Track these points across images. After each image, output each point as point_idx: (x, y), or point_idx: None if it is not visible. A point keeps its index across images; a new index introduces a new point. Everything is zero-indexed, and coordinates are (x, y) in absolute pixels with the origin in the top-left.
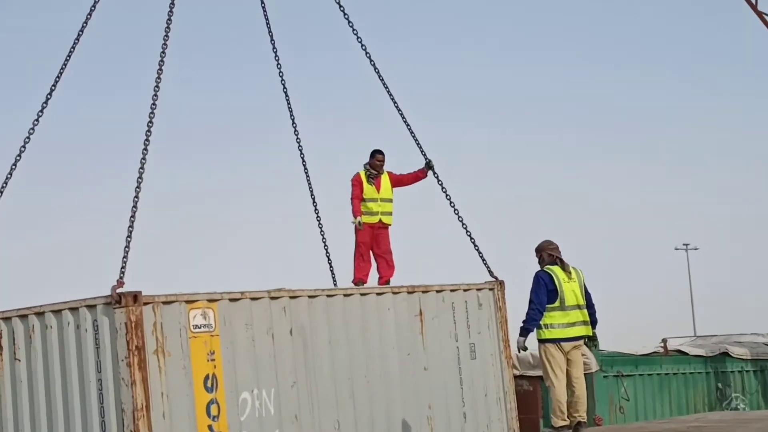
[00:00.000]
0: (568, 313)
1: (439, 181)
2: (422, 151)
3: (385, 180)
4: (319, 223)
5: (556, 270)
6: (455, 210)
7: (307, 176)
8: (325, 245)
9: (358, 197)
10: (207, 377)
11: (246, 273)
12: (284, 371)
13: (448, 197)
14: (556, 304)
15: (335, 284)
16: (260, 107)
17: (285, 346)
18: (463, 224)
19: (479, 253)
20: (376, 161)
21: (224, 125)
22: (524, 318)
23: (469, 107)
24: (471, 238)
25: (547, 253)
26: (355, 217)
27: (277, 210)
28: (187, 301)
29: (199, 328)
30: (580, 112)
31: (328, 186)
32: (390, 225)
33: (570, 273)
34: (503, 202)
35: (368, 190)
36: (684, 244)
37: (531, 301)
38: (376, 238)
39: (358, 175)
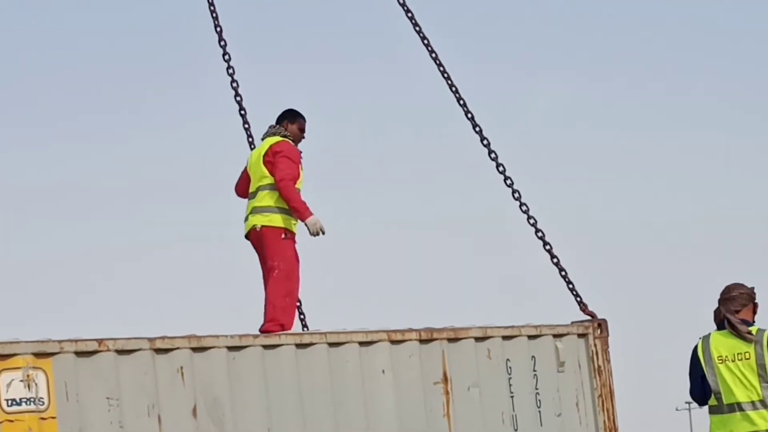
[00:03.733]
0: (727, 419)
1: (489, 150)
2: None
3: None
4: None
5: (715, 339)
6: (513, 190)
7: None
8: None
9: (295, 179)
10: None
11: (148, 316)
12: None
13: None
14: (712, 401)
15: (305, 327)
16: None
17: None
18: (531, 221)
19: (560, 271)
20: (298, 129)
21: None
22: None
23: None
24: (545, 245)
25: (720, 308)
26: (305, 216)
27: (202, 219)
28: None
29: (19, 404)
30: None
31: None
32: None
33: (745, 342)
34: (604, 193)
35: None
36: None
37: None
38: None
39: (289, 144)
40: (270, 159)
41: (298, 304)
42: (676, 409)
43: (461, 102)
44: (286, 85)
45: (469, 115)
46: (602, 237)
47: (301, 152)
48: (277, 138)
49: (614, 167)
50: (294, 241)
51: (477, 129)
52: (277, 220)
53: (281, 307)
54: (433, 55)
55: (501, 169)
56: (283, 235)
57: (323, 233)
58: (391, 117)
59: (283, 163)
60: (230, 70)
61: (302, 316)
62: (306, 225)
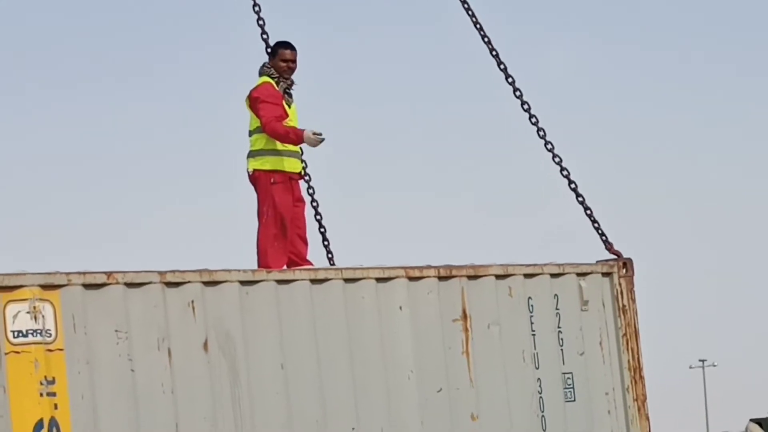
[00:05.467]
0: None
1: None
2: None
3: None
4: (305, 172)
5: None
6: (538, 128)
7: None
8: (315, 205)
9: (278, 118)
10: (39, 425)
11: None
12: (192, 418)
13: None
14: None
15: (332, 263)
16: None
17: (195, 371)
18: (557, 161)
19: (586, 210)
20: (280, 61)
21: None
22: None
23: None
24: (570, 183)
25: None
26: (300, 140)
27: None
28: (2, 288)
29: (25, 335)
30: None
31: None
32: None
33: None
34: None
35: (287, 112)
36: None
37: None
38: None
39: (268, 85)
40: (252, 105)
41: (326, 243)
42: (690, 367)
43: (486, 39)
44: (316, 42)
45: (494, 52)
46: (641, 194)
47: (290, 85)
48: (259, 81)
49: (640, 111)
50: (288, 184)
51: (510, 80)
52: (267, 162)
53: (271, 254)
54: (472, 16)
55: (526, 107)
56: (272, 180)
57: (322, 138)
58: (421, 77)
59: (263, 109)
60: (260, 21)
61: (330, 255)
62: (307, 144)
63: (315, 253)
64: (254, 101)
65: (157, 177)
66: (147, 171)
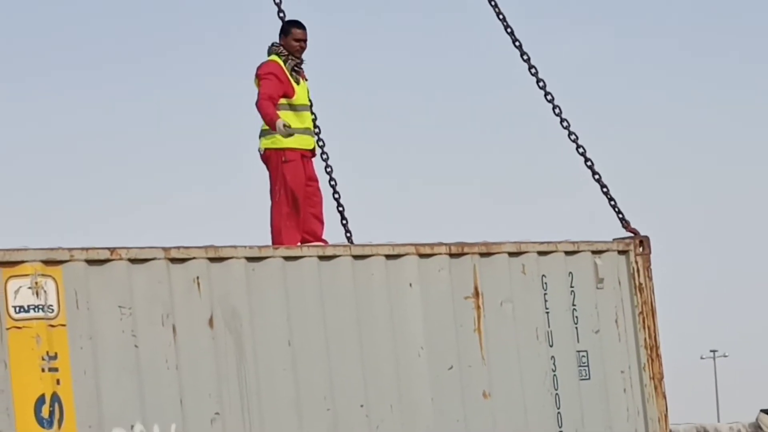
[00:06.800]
0: None
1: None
2: None
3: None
4: (323, 151)
5: None
6: (554, 106)
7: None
8: (333, 184)
9: (272, 96)
10: (41, 401)
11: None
12: (197, 394)
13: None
14: None
15: (350, 242)
16: None
17: (200, 347)
18: (572, 138)
19: (602, 187)
20: (293, 40)
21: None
22: None
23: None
24: (587, 161)
25: None
26: (273, 126)
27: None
28: (4, 264)
29: (27, 310)
30: None
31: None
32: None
33: None
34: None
35: (295, 90)
36: None
37: None
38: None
39: (273, 63)
40: (258, 84)
41: (344, 222)
42: (701, 358)
43: (506, 24)
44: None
45: (509, 30)
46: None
47: (299, 63)
48: (268, 59)
49: (659, 91)
50: (299, 162)
51: (525, 58)
52: (279, 141)
53: (285, 233)
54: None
55: (542, 84)
56: (283, 158)
57: (291, 132)
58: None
59: (262, 86)
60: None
61: (348, 235)
62: (277, 132)
63: (333, 232)
64: (258, 79)
65: (166, 159)
66: (156, 154)
